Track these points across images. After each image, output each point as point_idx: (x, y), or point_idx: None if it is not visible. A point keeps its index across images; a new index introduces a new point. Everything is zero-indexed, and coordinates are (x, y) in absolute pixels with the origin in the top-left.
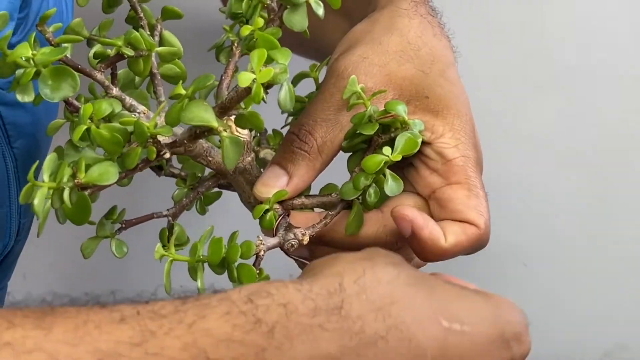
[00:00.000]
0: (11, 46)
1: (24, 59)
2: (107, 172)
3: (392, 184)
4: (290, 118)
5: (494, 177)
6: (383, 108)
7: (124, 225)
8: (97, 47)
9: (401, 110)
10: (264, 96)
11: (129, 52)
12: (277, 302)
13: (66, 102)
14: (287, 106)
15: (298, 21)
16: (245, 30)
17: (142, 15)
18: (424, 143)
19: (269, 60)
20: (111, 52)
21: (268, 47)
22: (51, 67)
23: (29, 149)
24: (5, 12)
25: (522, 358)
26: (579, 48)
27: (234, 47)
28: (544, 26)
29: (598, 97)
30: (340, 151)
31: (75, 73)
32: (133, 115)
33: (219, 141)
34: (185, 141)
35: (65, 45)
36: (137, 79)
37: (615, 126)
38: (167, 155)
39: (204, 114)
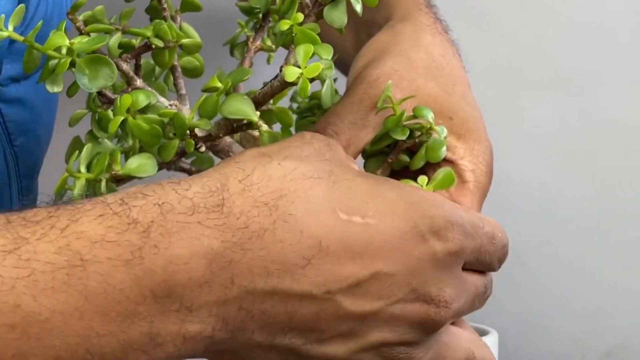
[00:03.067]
0: (10, 43)
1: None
2: (145, 165)
3: None
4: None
5: (494, 176)
6: (409, 114)
7: None
8: (118, 36)
9: (428, 116)
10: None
11: (159, 43)
12: (152, 203)
13: (99, 92)
14: (328, 102)
15: (338, 17)
16: (284, 24)
17: (165, 6)
18: (445, 160)
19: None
20: (136, 42)
21: (308, 42)
22: (87, 56)
23: (29, 146)
24: (23, 5)
25: (449, 255)
26: (580, 47)
27: (249, 42)
28: (544, 25)
29: (598, 96)
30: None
31: (112, 62)
32: (167, 107)
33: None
34: (221, 135)
35: (102, 34)
36: (156, 70)
37: (616, 125)
38: (203, 149)
39: (245, 108)
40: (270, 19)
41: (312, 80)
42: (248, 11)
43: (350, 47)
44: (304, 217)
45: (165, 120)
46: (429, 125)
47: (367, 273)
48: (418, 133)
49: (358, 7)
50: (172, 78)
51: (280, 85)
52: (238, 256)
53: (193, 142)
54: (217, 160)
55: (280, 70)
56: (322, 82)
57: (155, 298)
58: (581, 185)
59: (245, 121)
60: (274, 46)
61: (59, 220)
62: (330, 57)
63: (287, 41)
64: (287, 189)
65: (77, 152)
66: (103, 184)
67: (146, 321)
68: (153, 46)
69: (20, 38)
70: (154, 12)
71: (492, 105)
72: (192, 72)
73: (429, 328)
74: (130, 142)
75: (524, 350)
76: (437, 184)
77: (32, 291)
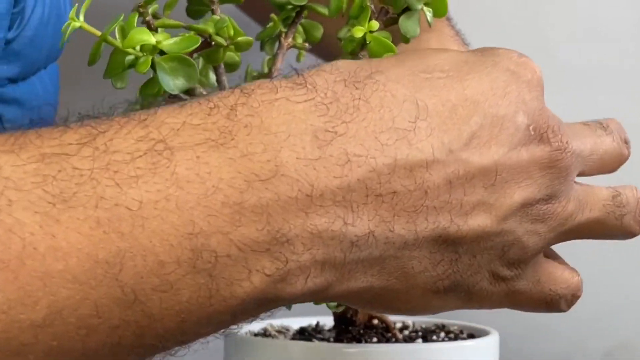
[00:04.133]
0: (7, 42)
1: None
2: None
3: None
4: None
5: None
6: None
7: None
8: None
9: None
10: None
11: (222, 41)
12: (230, 90)
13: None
14: None
15: (412, 28)
16: (359, 31)
17: None
18: None
19: None
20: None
21: (383, 52)
22: (167, 55)
23: None
24: None
25: (538, 82)
26: (584, 47)
27: (281, 38)
28: (546, 25)
29: (600, 96)
30: None
31: (194, 62)
32: None
33: None
34: None
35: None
36: (200, 64)
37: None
38: None
39: None
40: (303, 16)
41: None
42: (281, 6)
43: None
44: (388, 83)
45: None
46: None
47: (478, 121)
48: None
49: (429, 16)
50: (208, 72)
51: None
52: (342, 129)
53: None
54: None
55: None
56: None
57: (263, 183)
58: None
59: None
60: (306, 44)
61: (135, 116)
62: None
63: (356, 48)
64: (361, 66)
65: None
66: None
67: (260, 213)
68: (213, 43)
69: (97, 32)
70: (198, 4)
71: None
72: (230, 67)
73: (559, 170)
74: None
75: (525, 350)
76: None
77: (115, 181)
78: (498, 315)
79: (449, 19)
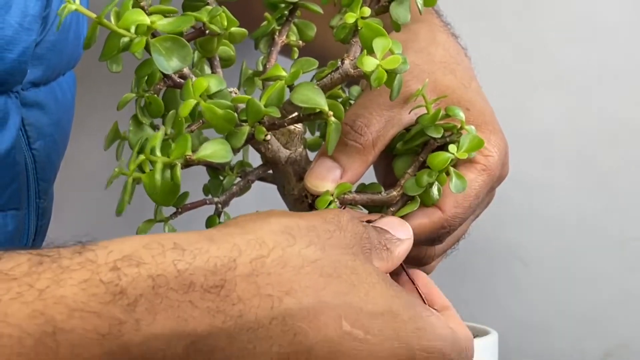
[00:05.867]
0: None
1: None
2: (221, 150)
3: (456, 182)
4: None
5: None
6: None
7: (180, 210)
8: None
9: (461, 115)
10: None
11: (216, 29)
12: (146, 274)
13: (164, 74)
14: (395, 96)
15: (402, 14)
16: (350, 17)
17: None
18: None
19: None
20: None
21: (374, 36)
22: (162, 36)
23: (47, 150)
24: None
25: None
26: (583, 47)
27: (275, 36)
28: (548, 26)
29: (600, 96)
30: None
31: (188, 44)
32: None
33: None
34: (285, 123)
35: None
36: (195, 57)
37: (617, 125)
38: (269, 137)
39: (316, 97)
40: (296, 14)
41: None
42: (273, 5)
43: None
44: (304, 321)
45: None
46: (460, 125)
47: None
48: (449, 132)
49: (419, 4)
50: (203, 65)
51: (341, 78)
52: (222, 344)
53: (264, 129)
54: None
55: (342, 63)
56: (394, 76)
57: None
58: (582, 185)
59: (317, 111)
60: (300, 42)
61: (39, 279)
62: (401, 52)
63: (348, 35)
64: (299, 284)
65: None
66: (178, 168)
67: None
68: (207, 32)
69: (92, 15)
70: None
71: (496, 105)
72: (225, 62)
73: None
74: (170, 129)
75: (524, 350)
76: (468, 149)
77: None
78: (497, 314)
79: (438, 13)
